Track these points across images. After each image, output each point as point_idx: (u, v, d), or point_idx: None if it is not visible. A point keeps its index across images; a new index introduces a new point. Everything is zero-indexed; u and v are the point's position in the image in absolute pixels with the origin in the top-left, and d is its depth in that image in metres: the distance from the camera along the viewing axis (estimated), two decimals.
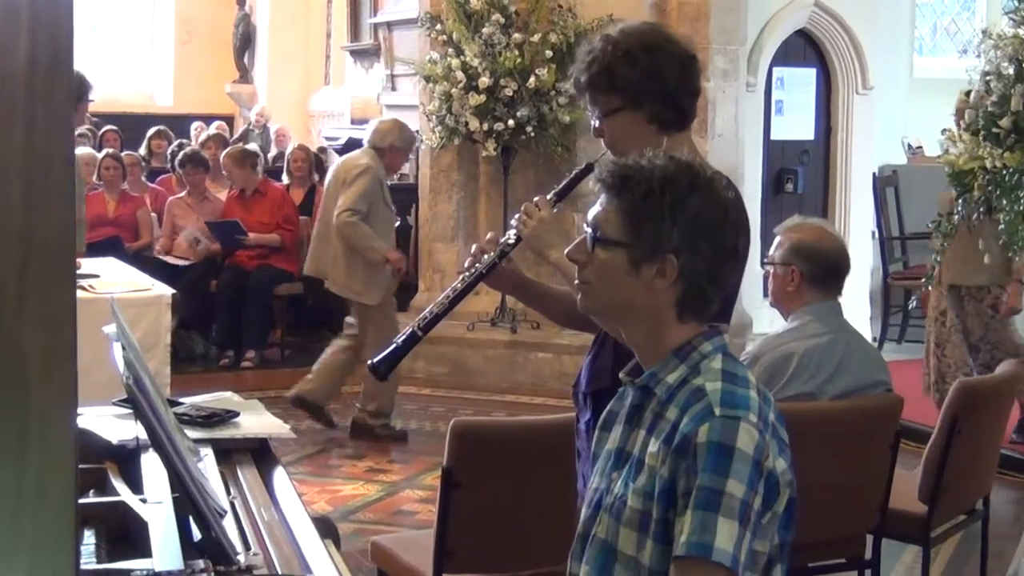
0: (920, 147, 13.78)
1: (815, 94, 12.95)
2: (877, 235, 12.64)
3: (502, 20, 11.14)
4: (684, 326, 2.89)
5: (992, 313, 8.22)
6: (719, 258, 2.88)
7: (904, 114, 14.11)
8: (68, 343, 2.25)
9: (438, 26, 11.49)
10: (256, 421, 4.12)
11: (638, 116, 3.75)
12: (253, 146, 14.49)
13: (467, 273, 3.84)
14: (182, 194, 12.76)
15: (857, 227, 12.70)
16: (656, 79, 3.73)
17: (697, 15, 11.09)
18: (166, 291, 7.31)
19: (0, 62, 2.37)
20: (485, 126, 11.10)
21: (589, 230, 2.91)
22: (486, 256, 3.84)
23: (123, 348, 2.99)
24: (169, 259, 12.15)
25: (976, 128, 6.96)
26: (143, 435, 3.41)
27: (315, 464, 9.03)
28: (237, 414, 4.11)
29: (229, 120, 21.30)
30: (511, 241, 3.83)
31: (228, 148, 13.28)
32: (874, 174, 12.88)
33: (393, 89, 15.23)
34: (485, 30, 11.11)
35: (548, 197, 3.88)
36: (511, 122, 11.02)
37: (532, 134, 11.05)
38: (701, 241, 2.83)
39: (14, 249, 2.31)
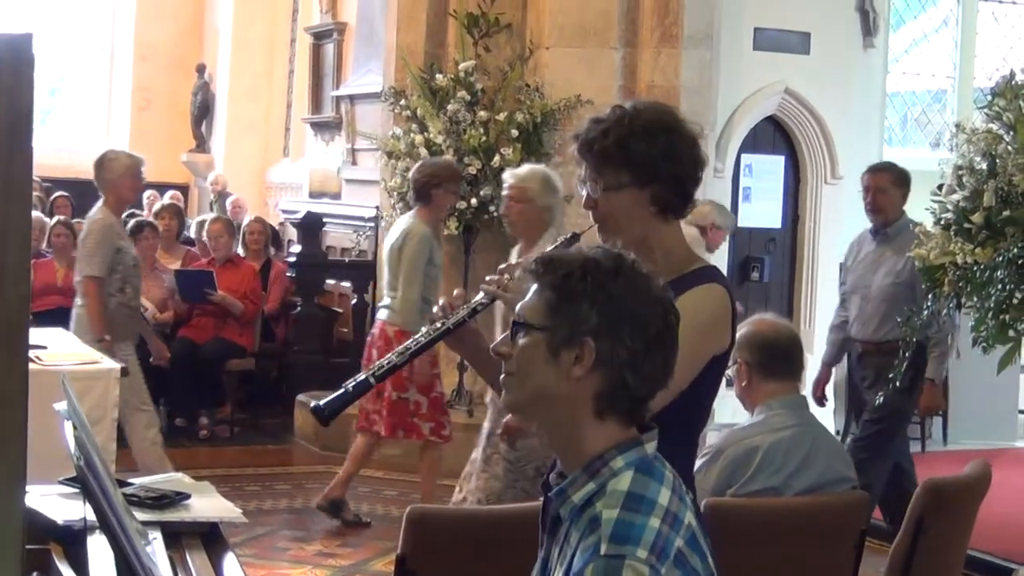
0: None
1: (783, 182, 12.95)
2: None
3: (468, 97, 11.03)
4: (603, 427, 2.73)
5: None
6: (643, 347, 2.72)
7: None
8: (18, 420, 2.16)
9: (402, 101, 11.38)
10: (207, 504, 3.96)
11: (641, 196, 3.62)
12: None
13: (433, 327, 3.67)
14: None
15: (823, 318, 12.47)
16: (671, 161, 3.62)
17: (666, 98, 10.96)
18: (114, 365, 7.14)
19: None
20: None
21: (513, 322, 2.81)
22: (456, 312, 3.66)
23: (74, 427, 2.82)
24: None
25: (948, 223, 6.86)
26: (90, 516, 3.22)
27: (261, 546, 8.77)
28: (188, 496, 3.94)
29: (184, 189, 21.14)
30: (483, 300, 3.66)
31: (214, 216, 13.47)
32: (841, 264, 12.73)
33: (354, 163, 15.16)
34: (450, 107, 10.99)
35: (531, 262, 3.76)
36: (474, 201, 10.88)
37: (495, 213, 10.90)
38: (624, 326, 2.70)
39: None
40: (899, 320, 7.58)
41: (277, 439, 12.24)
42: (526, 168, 8.13)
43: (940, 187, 7.20)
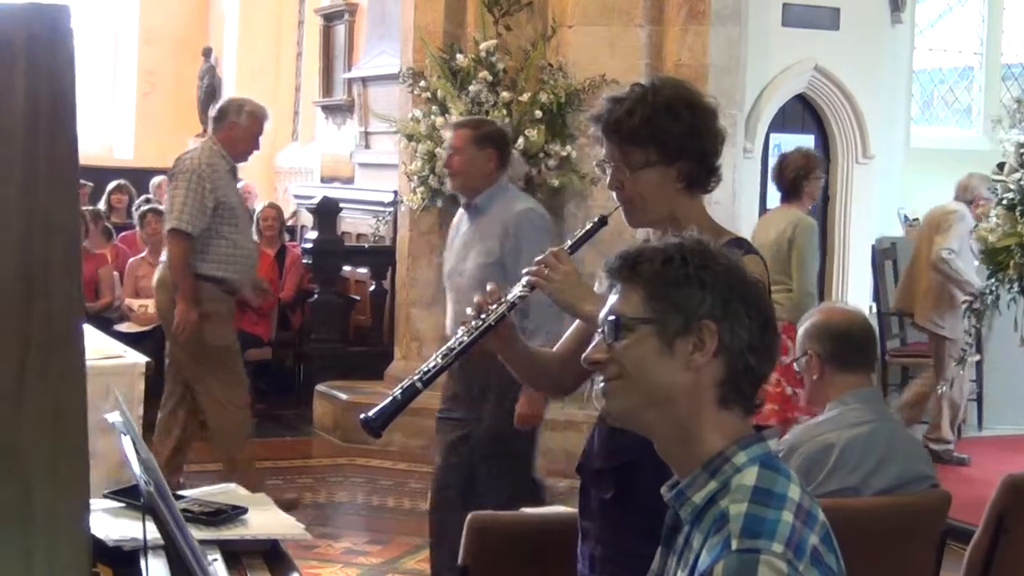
0: (917, 219, 13.41)
1: None
2: (875, 310, 12.25)
3: (489, 78, 10.72)
4: (723, 418, 2.58)
5: None
6: (760, 325, 2.57)
7: (900, 184, 13.79)
8: (77, 438, 1.90)
9: (421, 83, 11.05)
10: (266, 518, 3.68)
11: (668, 172, 3.61)
12: None
13: (473, 324, 3.62)
14: (143, 253, 12.29)
15: (854, 301, 12.25)
16: (697, 137, 3.61)
17: (695, 77, 10.65)
18: (140, 359, 6.76)
19: None
20: None
21: (606, 324, 2.65)
22: (493, 307, 3.62)
23: (135, 445, 2.50)
24: (123, 328, 11.62)
25: (1011, 202, 6.55)
26: (144, 535, 2.92)
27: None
28: (245, 510, 3.64)
29: None
30: (521, 294, 3.63)
31: None
32: (873, 246, 12.51)
33: (367, 147, 14.86)
34: (472, 88, 10.67)
35: (564, 248, 3.71)
36: None
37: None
38: (739, 306, 2.58)
39: (11, 329, 1.97)
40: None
41: (296, 430, 11.99)
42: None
43: (1000, 166, 6.91)
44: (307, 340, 12.89)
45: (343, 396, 11.39)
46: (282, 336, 12.71)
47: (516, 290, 3.65)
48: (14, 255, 2.02)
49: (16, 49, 2.13)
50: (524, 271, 3.70)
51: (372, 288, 13.00)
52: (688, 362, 2.56)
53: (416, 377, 3.54)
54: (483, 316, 3.62)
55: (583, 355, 2.73)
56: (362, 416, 3.54)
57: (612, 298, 2.67)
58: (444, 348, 3.62)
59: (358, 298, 13.32)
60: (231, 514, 3.58)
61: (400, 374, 11.01)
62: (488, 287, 3.71)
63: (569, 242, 3.79)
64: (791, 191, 8.96)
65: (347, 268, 13.42)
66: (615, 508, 3.62)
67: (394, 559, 8.19)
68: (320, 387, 11.78)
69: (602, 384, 2.67)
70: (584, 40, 10.87)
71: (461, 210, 7.06)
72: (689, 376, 2.57)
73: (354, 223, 14.33)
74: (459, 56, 10.92)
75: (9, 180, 2.06)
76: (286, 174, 20.26)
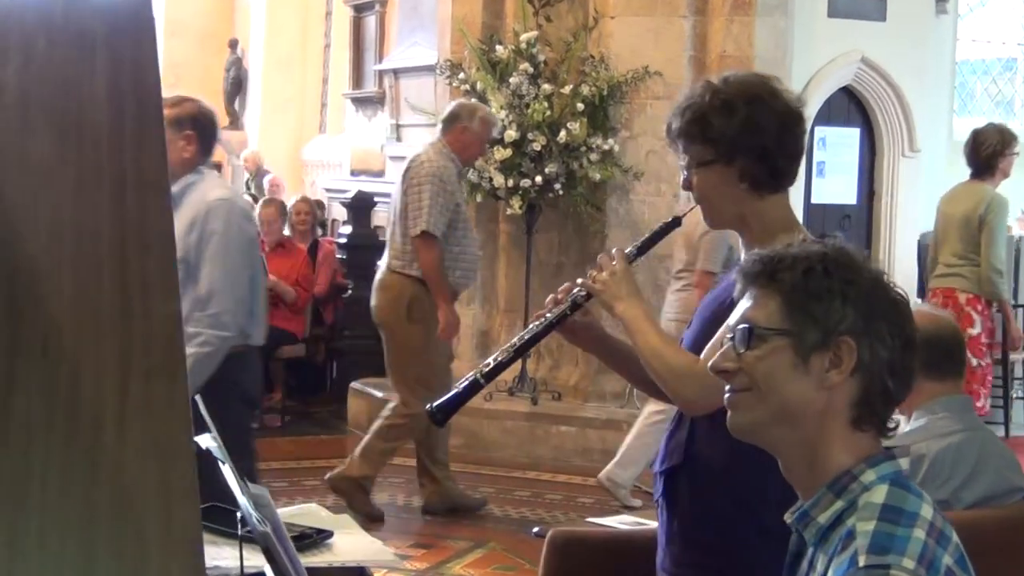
0: None
1: (858, 156, 12.51)
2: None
3: (530, 70, 10.50)
4: (854, 440, 2.45)
5: None
6: (901, 344, 2.42)
7: (944, 178, 13.55)
8: (189, 476, 1.70)
9: (460, 75, 10.83)
10: (352, 543, 3.47)
11: (729, 171, 3.49)
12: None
13: (536, 322, 3.64)
14: None
15: None
16: (753, 134, 3.47)
17: (739, 68, 10.43)
18: None
19: (74, 108, 1.88)
20: (510, 182, 10.41)
21: (738, 331, 2.52)
22: (558, 306, 3.62)
23: (237, 478, 2.26)
24: None
25: None
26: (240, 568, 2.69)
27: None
28: (331, 534, 3.42)
29: (217, 167, 20.65)
30: (583, 294, 3.60)
31: (265, 199, 13.17)
32: (919, 242, 12.28)
33: (398, 140, 14.66)
34: (512, 80, 10.45)
35: (627, 250, 3.67)
36: (538, 178, 10.34)
37: (560, 192, 10.40)
38: (881, 323, 2.43)
39: (108, 355, 1.74)
40: None
41: (330, 429, 11.79)
42: None
43: None
44: (340, 336, 12.67)
45: (378, 394, 11.16)
46: (314, 331, 12.51)
47: (575, 291, 3.62)
48: (108, 268, 1.80)
49: (96, 42, 1.94)
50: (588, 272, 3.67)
51: None
52: (823, 379, 2.44)
53: (478, 372, 3.59)
54: (548, 314, 3.62)
55: (710, 362, 2.59)
56: (427, 407, 3.65)
57: (745, 303, 2.55)
58: (507, 344, 3.66)
59: None
60: (316, 539, 3.37)
61: None
62: (563, 286, 3.69)
63: (636, 243, 3.76)
64: (984, 167, 9.07)
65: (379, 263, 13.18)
66: (664, 513, 3.64)
67: (440, 563, 7.97)
68: (355, 384, 11.56)
69: (728, 394, 2.53)
70: (627, 31, 10.67)
71: None
72: (822, 394, 2.44)
73: (387, 217, 14.11)
74: (499, 47, 10.71)
75: (99, 186, 1.84)
76: (313, 166, 20.13)
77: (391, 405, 8.75)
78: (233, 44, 21.44)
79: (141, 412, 1.72)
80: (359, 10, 17.10)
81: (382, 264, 8.79)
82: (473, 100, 9.61)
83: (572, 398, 10.61)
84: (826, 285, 2.44)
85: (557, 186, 10.41)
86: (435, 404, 3.61)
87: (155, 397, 1.72)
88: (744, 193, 3.50)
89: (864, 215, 12.58)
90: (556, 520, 8.70)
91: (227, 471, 2.34)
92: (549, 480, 9.96)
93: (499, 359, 3.62)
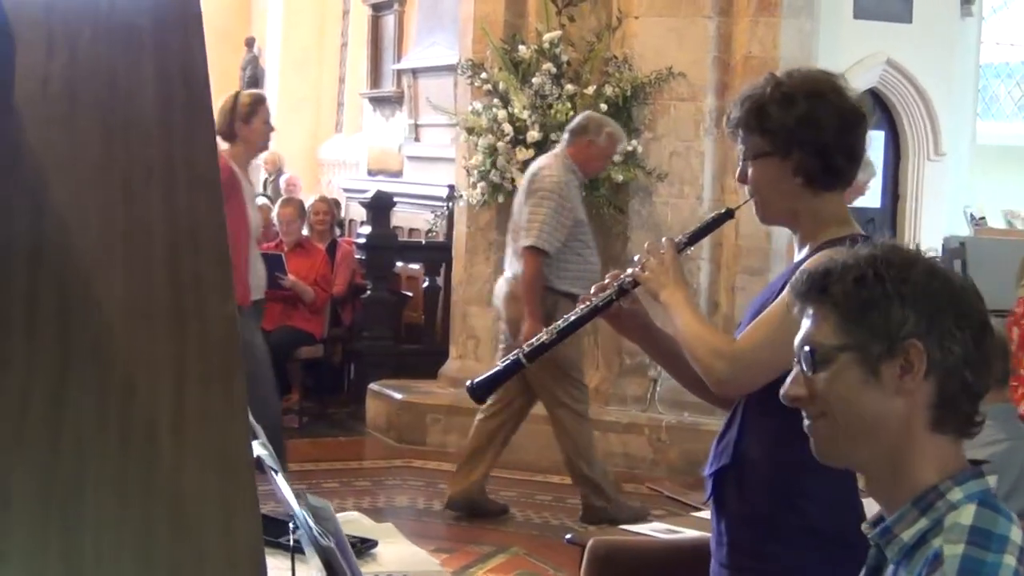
0: (983, 218, 13.13)
1: (883, 159, 12.36)
2: None
3: (553, 70, 10.42)
4: (937, 444, 2.33)
5: None
6: (974, 335, 2.31)
7: (967, 182, 13.49)
8: (249, 486, 1.62)
9: (482, 75, 10.75)
10: (398, 553, 3.40)
11: (784, 165, 3.46)
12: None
13: (583, 305, 3.65)
14: None
15: None
16: (811, 128, 3.42)
17: (763, 69, 10.33)
18: None
19: (121, 102, 1.80)
20: None
21: (803, 355, 2.41)
22: (605, 292, 3.63)
23: (295, 494, 2.18)
24: None
25: None
26: None
27: None
28: (375, 543, 3.35)
29: None
30: (629, 280, 3.62)
31: (284, 198, 13.01)
32: (943, 245, 12.22)
33: (417, 139, 14.59)
34: (535, 80, 10.37)
35: (677, 239, 3.67)
36: None
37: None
38: (947, 318, 2.32)
39: (162, 359, 1.68)
40: None
41: (348, 430, 11.71)
42: None
43: None
44: (358, 337, 12.60)
45: (397, 395, 11.10)
46: (332, 332, 12.44)
47: (625, 276, 3.64)
48: (162, 267, 1.73)
49: (143, 32, 1.85)
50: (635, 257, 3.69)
51: (425, 284, 12.71)
52: (898, 387, 2.32)
53: (521, 352, 3.64)
54: (594, 299, 3.63)
55: (781, 391, 2.47)
56: (467, 383, 3.70)
57: (805, 323, 2.43)
58: (551, 327, 3.68)
59: (410, 294, 13.03)
60: (361, 548, 3.29)
61: (455, 374, 10.75)
62: (612, 272, 3.72)
63: (688, 232, 3.76)
64: None
65: (399, 264, 13.13)
66: (714, 515, 3.60)
67: (463, 568, 7.88)
68: (373, 386, 11.48)
69: (808, 422, 2.42)
70: (650, 31, 10.58)
71: None
72: (900, 402, 2.33)
73: (405, 218, 14.09)
74: (521, 47, 10.63)
75: (149, 183, 1.76)
76: (330, 166, 20.08)
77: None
78: (250, 42, 21.40)
79: (198, 419, 1.65)
80: (377, 9, 17.05)
81: (507, 274, 8.73)
82: (602, 114, 9.51)
83: (593, 402, 10.49)
84: (880, 291, 2.34)
85: None
86: (475, 381, 3.66)
87: (212, 403, 1.66)
88: (798, 188, 3.46)
89: (889, 219, 12.49)
90: (581, 525, 8.60)
91: (281, 481, 2.25)
92: (571, 484, 9.87)
93: (542, 339, 3.64)
